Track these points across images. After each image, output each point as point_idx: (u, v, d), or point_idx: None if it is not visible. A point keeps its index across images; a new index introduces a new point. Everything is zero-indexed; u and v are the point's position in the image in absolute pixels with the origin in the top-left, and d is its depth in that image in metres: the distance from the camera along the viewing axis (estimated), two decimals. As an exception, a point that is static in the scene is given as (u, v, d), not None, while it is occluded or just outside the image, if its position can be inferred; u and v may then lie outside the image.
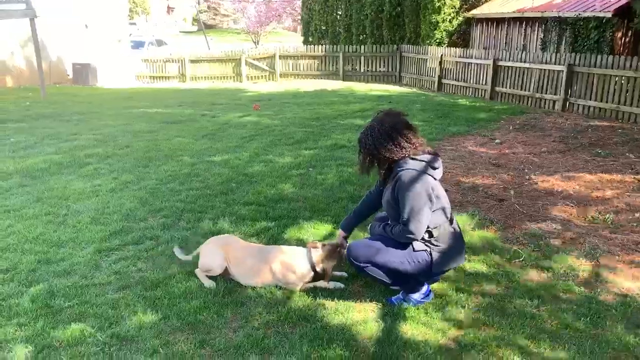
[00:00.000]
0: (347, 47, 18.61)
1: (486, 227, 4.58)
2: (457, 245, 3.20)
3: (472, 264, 3.84)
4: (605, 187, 5.69)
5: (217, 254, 3.59)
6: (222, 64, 19.40)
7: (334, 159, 6.98)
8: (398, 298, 3.33)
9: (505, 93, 12.80)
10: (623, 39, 11.98)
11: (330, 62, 18.64)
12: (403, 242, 3.10)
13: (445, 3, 16.30)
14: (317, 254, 3.47)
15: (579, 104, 10.89)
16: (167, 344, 2.91)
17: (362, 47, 18.41)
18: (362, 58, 18.22)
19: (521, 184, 5.87)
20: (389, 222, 3.25)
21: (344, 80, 18.13)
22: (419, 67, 16.41)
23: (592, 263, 3.88)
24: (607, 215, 4.79)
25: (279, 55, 18.88)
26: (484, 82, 13.43)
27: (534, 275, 3.71)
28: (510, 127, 9.28)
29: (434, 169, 3.08)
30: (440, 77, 15.16)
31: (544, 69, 11.61)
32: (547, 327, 3.04)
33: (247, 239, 4.14)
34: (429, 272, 3.14)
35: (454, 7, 16.60)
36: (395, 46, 17.85)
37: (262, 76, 19.12)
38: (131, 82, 19.54)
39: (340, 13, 21.24)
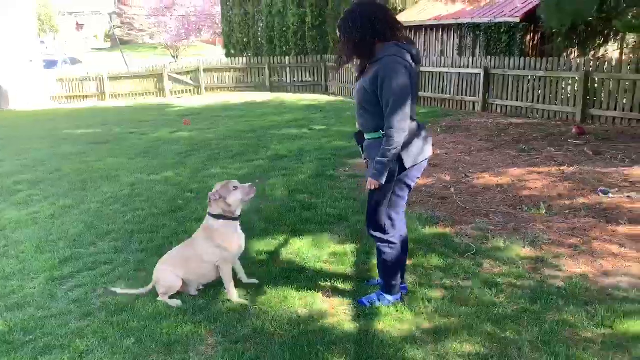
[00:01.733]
0: (272, 58, 18.71)
1: (435, 225, 4.81)
2: (422, 136, 3.12)
3: (430, 260, 4.03)
4: (535, 179, 6.13)
5: (167, 271, 3.56)
6: (143, 80, 18.87)
7: (278, 169, 7.03)
8: (369, 298, 3.41)
9: (428, 97, 13.37)
10: (531, 42, 12.92)
11: (256, 73, 18.66)
12: (399, 138, 2.91)
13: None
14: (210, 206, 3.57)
15: (497, 104, 11.61)
16: (145, 367, 2.85)
17: (287, 58, 18.59)
18: (288, 69, 18.38)
19: (459, 181, 6.20)
20: (361, 114, 3.11)
21: (271, 91, 18.19)
22: (344, 76, 16.80)
23: (537, 250, 4.19)
24: (542, 205, 5.17)
25: (204, 69, 18.65)
26: (407, 88, 13.95)
27: (487, 266, 3.95)
28: (438, 129, 9.74)
29: (416, 62, 2.99)
30: (365, 85, 15.59)
31: (463, 73, 12.27)
32: (509, 313, 3.26)
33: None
34: (402, 170, 3.05)
35: (373, 16, 17.16)
36: (320, 56, 18.17)
37: (186, 90, 18.79)
38: (46, 103, 18.54)
39: (261, 25, 21.34)
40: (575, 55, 12.30)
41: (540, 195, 5.56)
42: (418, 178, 3.26)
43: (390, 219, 3.21)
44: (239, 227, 3.63)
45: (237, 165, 7.43)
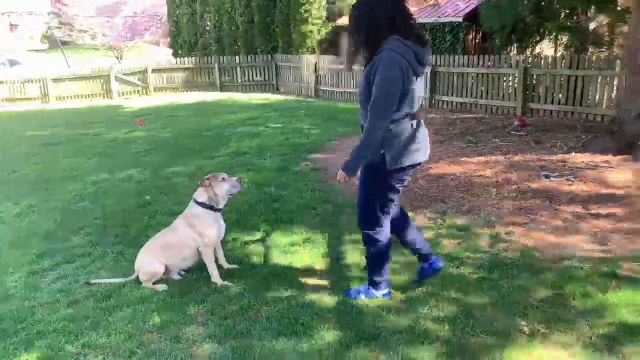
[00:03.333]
0: (222, 58, 18.72)
1: (397, 210, 5.16)
2: (415, 140, 3.01)
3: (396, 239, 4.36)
4: (483, 167, 6.60)
5: (150, 259, 3.74)
6: (89, 82, 18.42)
7: (241, 165, 7.22)
8: (356, 291, 3.48)
9: (378, 94, 13.82)
10: (473, 40, 13.63)
11: (206, 73, 18.61)
12: (375, 132, 2.86)
13: (311, 14, 17.18)
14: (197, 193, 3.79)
15: (443, 100, 12.18)
16: (141, 345, 3.03)
17: (237, 57, 18.65)
18: (238, 68, 18.44)
19: (415, 171, 6.58)
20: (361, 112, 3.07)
21: (221, 91, 18.19)
22: (295, 75, 17.06)
23: (490, 228, 4.61)
24: (492, 190, 5.63)
25: (152, 69, 18.43)
26: (357, 87, 14.37)
27: (447, 244, 4.33)
28: (391, 124, 10.16)
29: (420, 62, 2.88)
30: (316, 84, 15.93)
31: (411, 71, 12.78)
32: (470, 281, 3.63)
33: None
34: (383, 171, 3.00)
35: (321, 17, 17.54)
36: (270, 56, 18.34)
37: (134, 91, 18.50)
38: (-15, 107, 17.82)
39: (209, 24, 21.28)
40: (514, 53, 13.06)
41: (490, 181, 6.03)
42: (403, 181, 3.17)
43: (378, 218, 3.20)
44: (220, 218, 3.84)
45: (199, 162, 7.55)
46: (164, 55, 27.80)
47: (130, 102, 16.65)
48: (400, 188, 3.20)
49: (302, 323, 3.16)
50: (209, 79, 18.56)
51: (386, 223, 3.27)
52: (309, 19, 17.11)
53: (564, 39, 13.17)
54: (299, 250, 4.28)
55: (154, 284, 3.73)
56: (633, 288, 3.44)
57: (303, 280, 3.76)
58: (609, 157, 6.55)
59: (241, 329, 3.15)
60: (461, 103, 11.77)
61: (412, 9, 14.21)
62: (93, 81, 18.39)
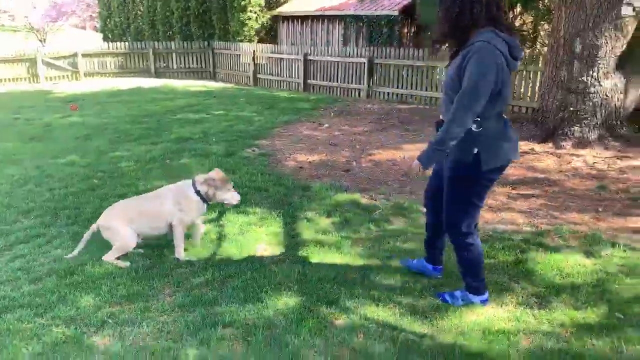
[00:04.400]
0: (156, 43, 18.32)
1: (345, 192, 5.46)
2: (507, 139, 2.87)
3: (348, 218, 4.66)
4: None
5: (125, 228, 3.81)
6: (13, 65, 17.49)
7: (186, 151, 7.26)
8: (451, 295, 3.27)
9: (316, 85, 14.13)
10: (408, 33, 14.17)
11: (140, 59, 18.15)
12: (458, 126, 2.71)
13: (250, 2, 17.16)
14: (200, 180, 3.91)
15: (380, 91, 12.65)
16: (112, 315, 3.13)
17: (173, 43, 18.31)
18: (174, 54, 18.12)
19: (358, 157, 6.93)
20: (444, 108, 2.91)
21: (157, 77, 17.82)
22: (233, 63, 17.01)
23: (431, 207, 5.00)
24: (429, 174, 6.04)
25: (82, 54, 17.75)
26: (296, 76, 14.60)
27: (393, 221, 4.67)
28: (331, 114, 10.48)
29: (513, 56, 2.71)
30: (255, 72, 15.99)
31: (349, 62, 13.16)
32: (418, 253, 3.97)
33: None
34: (478, 171, 2.85)
35: (260, 5, 17.56)
36: (206, 42, 18.15)
37: (63, 76, 17.74)
38: None
39: (142, 9, 20.72)
40: (447, 45, 13.70)
41: (428, 165, 6.45)
42: (493, 183, 3.03)
43: (469, 224, 3.05)
44: (205, 206, 3.99)
45: (144, 147, 7.51)
46: (90, 39, 26.72)
47: (60, 87, 15.98)
48: (490, 187, 3.03)
49: (265, 291, 3.38)
50: (144, 64, 18.13)
51: (475, 226, 3.12)
52: (248, 7, 17.08)
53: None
54: (256, 229, 4.48)
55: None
56: (556, 256, 3.91)
57: (263, 254, 3.97)
58: (534, 145, 7.18)
59: (208, 298, 3.32)
60: (397, 94, 12.27)
61: (352, 0, 14.57)
62: (17, 65, 17.46)
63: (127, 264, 3.78)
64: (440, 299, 3.30)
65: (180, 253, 3.87)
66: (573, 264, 3.77)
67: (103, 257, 3.82)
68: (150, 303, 3.28)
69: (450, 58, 2.90)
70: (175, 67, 18.19)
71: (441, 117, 2.98)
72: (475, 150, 2.80)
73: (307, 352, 2.76)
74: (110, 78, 17.57)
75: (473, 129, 2.77)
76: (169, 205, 3.87)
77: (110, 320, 3.08)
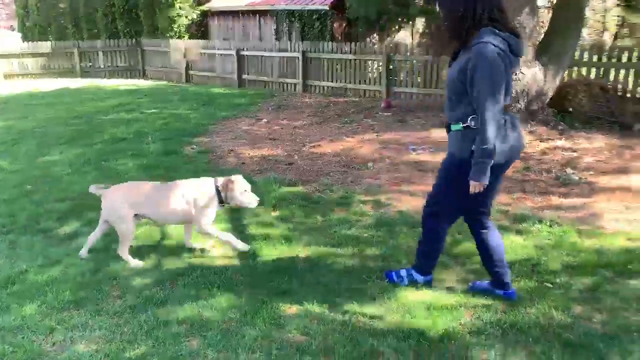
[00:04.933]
0: (81, 42, 17.60)
1: (289, 185, 5.55)
2: (511, 135, 2.86)
3: (293, 211, 4.76)
4: (360, 145, 7.24)
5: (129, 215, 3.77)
6: None
7: (122, 151, 7.09)
8: (398, 274, 3.41)
9: (251, 80, 14.08)
10: (339, 27, 14.39)
11: (64, 59, 17.37)
12: (494, 134, 2.70)
13: (178, -2, 16.85)
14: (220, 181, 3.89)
15: (315, 85, 12.79)
16: (61, 321, 3.07)
17: (98, 41, 17.65)
18: (100, 53, 17.48)
19: (300, 150, 7.03)
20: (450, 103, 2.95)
21: (82, 77, 17.12)
22: (164, 60, 16.62)
23: (372, 195, 5.18)
24: (369, 164, 6.24)
25: (0, 54, 16.77)
26: (230, 71, 14.49)
27: (338, 211, 4.81)
28: (269, 109, 10.52)
29: (515, 53, 2.77)
30: (187, 69, 15.71)
31: (283, 57, 13.21)
32: (363, 238, 4.14)
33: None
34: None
35: (188, 1, 17.26)
36: (134, 40, 17.63)
37: (-21, 79, 16.73)
38: None
39: (63, 6, 19.83)
40: (377, 40, 14.06)
41: (367, 156, 6.66)
42: (498, 178, 3.02)
43: (445, 210, 3.14)
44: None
45: (77, 150, 7.27)
46: (6, 39, 25.21)
47: (-23, 90, 15.05)
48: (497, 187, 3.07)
49: (218, 286, 3.42)
50: (68, 64, 17.36)
51: (452, 217, 3.21)
52: (176, 3, 16.75)
53: (420, 26, 14.45)
54: (201, 226, 4.48)
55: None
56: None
57: (212, 252, 4.00)
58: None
59: (160, 297, 3.32)
60: (332, 88, 12.45)
61: (281, -5, 14.60)
62: None
63: (141, 263, 3.76)
64: (387, 278, 3.44)
65: (238, 244, 3.92)
66: (506, 241, 4.03)
67: (117, 251, 3.80)
68: (100, 306, 3.24)
69: (451, 59, 2.94)
70: (102, 66, 17.55)
71: (449, 119, 2.98)
72: (474, 148, 2.79)
73: (264, 342, 2.83)
74: (32, 80, 16.70)
75: (472, 126, 2.80)
76: (187, 200, 3.80)
77: (59, 327, 3.02)
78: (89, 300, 3.30)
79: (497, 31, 2.71)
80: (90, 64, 17.50)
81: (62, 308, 3.22)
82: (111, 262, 3.81)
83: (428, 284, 3.39)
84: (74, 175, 6.00)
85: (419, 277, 3.38)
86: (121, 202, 3.76)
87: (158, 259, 3.88)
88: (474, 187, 2.83)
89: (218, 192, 3.84)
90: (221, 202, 3.87)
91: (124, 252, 3.79)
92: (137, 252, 3.98)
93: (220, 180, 3.89)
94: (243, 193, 3.85)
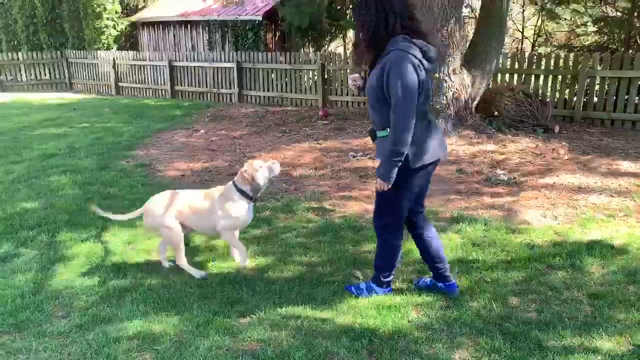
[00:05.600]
0: (0, 54, 16.68)
1: (231, 195, 5.54)
2: (433, 136, 3.04)
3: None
4: (300, 153, 7.32)
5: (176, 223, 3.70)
6: None
7: (54, 167, 6.81)
8: (358, 287, 3.44)
9: (185, 91, 13.89)
10: (273, 38, 14.49)
11: (-19, 72, 16.43)
12: (405, 135, 2.82)
13: (105, 9, 16.37)
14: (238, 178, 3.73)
15: (251, 95, 12.80)
16: (2, 346, 2.94)
17: (20, 54, 16.80)
18: (22, 66, 16.64)
19: (240, 160, 7.02)
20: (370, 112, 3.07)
21: (3, 91, 16.25)
22: (92, 73, 16.07)
23: (317, 202, 5.28)
24: (311, 171, 6.34)
25: None
26: (162, 83, 14.22)
27: (283, 218, 4.87)
28: (206, 119, 10.42)
29: (427, 58, 2.88)
30: (117, 81, 15.27)
31: (218, 67, 13.12)
32: (309, 245, 4.21)
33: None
34: (408, 170, 2.97)
35: (116, 12, 16.81)
36: (59, 52, 16.93)
37: None
38: None
39: (-21, 17, 18.75)
40: (311, 51, 14.26)
41: (308, 164, 6.75)
42: (428, 179, 3.20)
43: (397, 221, 3.21)
44: (251, 207, 3.79)
45: (4, 168, 6.89)
46: None
47: None
48: (425, 188, 3.24)
49: (167, 300, 3.39)
50: (-13, 78, 16.41)
51: (402, 224, 3.25)
52: (103, 14, 16.28)
53: (352, 36, 14.77)
54: (144, 241, 4.40)
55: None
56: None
57: (155, 265, 3.93)
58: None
59: (107, 314, 3.24)
60: (269, 97, 12.51)
61: (214, 5, 14.53)
62: None
63: (203, 273, 3.68)
64: (347, 291, 3.47)
65: (244, 260, 3.81)
66: (445, 241, 4.24)
67: (176, 262, 3.75)
68: (43, 327, 3.12)
69: (369, 67, 3.04)
70: (24, 79, 16.71)
71: (373, 126, 3.09)
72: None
73: (218, 352, 2.84)
74: (-54, 94, 15.66)
75: None
76: (216, 207, 3.70)
77: (1, 351, 2.89)
78: (31, 322, 3.18)
79: (409, 38, 2.84)
80: (12, 77, 16.64)
81: (3, 332, 3.08)
82: (52, 282, 3.67)
83: (387, 295, 3.42)
84: (3, 194, 5.71)
85: (379, 290, 3.40)
86: (162, 211, 3.71)
87: (103, 275, 3.78)
88: (381, 185, 2.98)
89: (241, 191, 3.70)
90: (249, 198, 3.72)
91: (180, 260, 3.72)
92: (79, 269, 3.86)
93: (237, 177, 3.73)
94: (261, 170, 3.69)
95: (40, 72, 16.82)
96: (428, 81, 2.93)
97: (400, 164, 2.89)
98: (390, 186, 2.96)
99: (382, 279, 3.38)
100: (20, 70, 16.67)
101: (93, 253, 4.14)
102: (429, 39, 2.96)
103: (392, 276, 3.42)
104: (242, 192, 3.69)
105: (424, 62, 2.86)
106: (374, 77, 2.93)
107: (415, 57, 2.80)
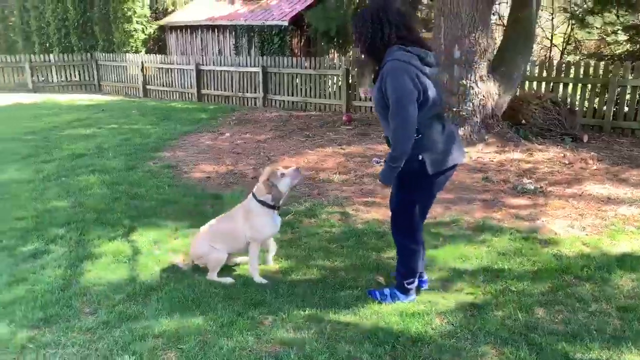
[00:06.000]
0: (32, 56, 17.10)
1: (255, 198, 5.57)
2: (450, 140, 3.07)
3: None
4: (325, 158, 7.34)
5: (210, 247, 3.74)
6: None
7: (83, 167, 6.95)
8: (382, 293, 3.42)
9: (211, 94, 14.05)
10: (299, 43, 14.57)
11: (14, 73, 16.86)
12: (401, 142, 2.89)
13: (135, 12, 16.68)
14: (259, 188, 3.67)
15: (276, 99, 12.88)
16: (32, 339, 3.01)
17: (52, 55, 17.21)
18: (54, 67, 17.04)
19: (265, 164, 7.06)
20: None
21: (35, 92, 16.64)
22: (120, 75, 16.38)
23: (340, 207, 5.28)
24: (335, 176, 6.35)
25: (-55, 69, 16.14)
26: (189, 86, 14.41)
27: (307, 222, 4.88)
28: (231, 123, 10.52)
29: (427, 64, 2.93)
30: (144, 84, 15.52)
31: (243, 71, 13.25)
32: (332, 249, 4.21)
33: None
34: (426, 176, 3.01)
35: (146, 15, 17.11)
36: (89, 54, 17.29)
37: None
38: None
39: (14, 20, 19.29)
40: (336, 56, 14.29)
41: (332, 168, 6.76)
42: (443, 184, 3.23)
43: (414, 226, 3.25)
44: (276, 215, 3.75)
45: (35, 167, 7.06)
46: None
47: None
48: (436, 194, 3.26)
49: (192, 299, 3.42)
50: (19, 79, 16.84)
51: (420, 228, 3.31)
52: (133, 18, 16.58)
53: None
54: (171, 241, 4.46)
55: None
56: (455, 243, 4.33)
57: (182, 265, 3.98)
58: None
59: (133, 312, 3.29)
60: (293, 102, 12.58)
61: (241, 10, 14.68)
62: None
63: (232, 280, 3.71)
64: (370, 296, 3.46)
65: (256, 276, 3.75)
66: (470, 249, 4.21)
67: (207, 277, 3.76)
68: (71, 323, 3.18)
69: (373, 79, 3.10)
70: (55, 81, 17.11)
71: (385, 133, 3.15)
72: (420, 157, 2.96)
73: (242, 353, 2.86)
74: (-20, 94, 16.11)
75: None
76: (239, 223, 3.72)
77: (30, 345, 2.96)
78: (60, 318, 3.24)
79: (404, 47, 2.89)
80: (43, 78, 17.05)
81: (33, 326, 3.15)
82: (81, 279, 3.75)
83: (411, 302, 3.39)
84: (33, 192, 5.84)
85: (402, 297, 3.38)
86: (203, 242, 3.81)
87: (129, 273, 3.84)
88: (380, 185, 3.08)
89: (260, 202, 3.65)
90: (272, 207, 3.67)
91: (212, 276, 3.76)
92: (107, 267, 3.93)
93: (259, 187, 3.67)
94: (284, 178, 3.61)
95: (70, 74, 17.21)
96: (435, 85, 2.96)
97: (399, 169, 2.96)
98: (389, 186, 3.07)
99: (405, 285, 3.37)
100: (51, 72, 17.07)
101: (120, 251, 4.21)
102: (426, 44, 3.01)
103: (415, 282, 3.41)
104: (263, 203, 3.65)
105: (424, 68, 2.91)
106: (376, 88, 2.99)
107: (411, 64, 2.85)
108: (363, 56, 3.09)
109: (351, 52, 14.15)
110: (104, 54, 16.99)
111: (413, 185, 3.04)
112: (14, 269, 3.91)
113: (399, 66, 2.84)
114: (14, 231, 4.66)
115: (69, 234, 4.58)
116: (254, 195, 3.71)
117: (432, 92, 2.92)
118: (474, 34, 7.51)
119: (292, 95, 12.59)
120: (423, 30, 13.20)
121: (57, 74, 17.10)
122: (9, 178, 6.49)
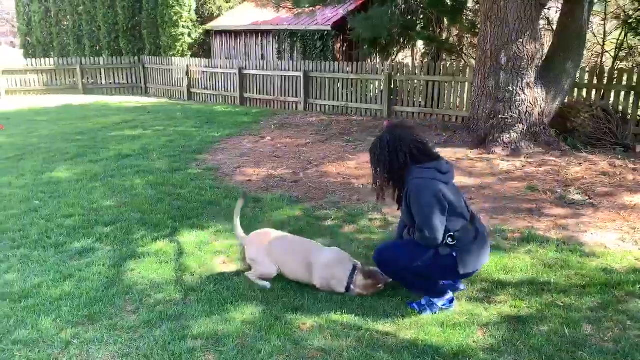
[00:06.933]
0: (84, 59, 17.72)
1: (296, 202, 5.59)
2: (481, 244, 3.26)
3: (302, 227, 4.78)
4: (365, 163, 7.29)
5: (267, 261, 3.70)
6: None
7: (128, 167, 7.13)
8: (420, 304, 3.41)
9: (253, 98, 14.21)
10: (341, 48, 14.58)
11: (66, 75, 17.48)
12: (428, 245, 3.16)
13: (182, 17, 17.06)
14: (359, 278, 3.55)
15: (317, 104, 12.92)
16: (76, 335, 3.09)
17: (101, 58, 17.79)
18: (103, 70, 17.61)
19: (305, 168, 7.09)
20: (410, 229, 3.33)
21: (85, 94, 17.24)
22: (166, 78, 16.77)
23: (380, 213, 5.22)
24: (375, 182, 6.29)
25: (3, 70, 16.89)
26: (232, 90, 14.62)
27: (348, 228, 4.85)
28: (272, 127, 10.60)
29: (442, 173, 3.15)
30: (189, 87, 15.84)
31: (285, 75, 13.35)
32: (371, 255, 4.16)
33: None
34: (456, 274, 3.24)
35: (192, 20, 17.48)
36: (136, 57, 17.79)
37: (-19, 95, 16.80)
38: None
39: (67, 24, 20.04)
40: (378, 60, 14.23)
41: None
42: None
43: (440, 286, 3.38)
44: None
45: (83, 166, 7.30)
46: (7, 56, 25.44)
47: (-20, 106, 15.12)
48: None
49: (231, 302, 3.44)
50: (70, 81, 17.47)
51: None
52: (180, 22, 16.97)
53: (422, 48, 14.64)
54: (212, 243, 4.51)
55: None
56: (498, 254, 4.21)
57: (222, 267, 4.02)
58: (468, 151, 7.62)
59: (173, 313, 3.34)
60: (333, 106, 12.59)
61: (284, 15, 14.80)
62: None
63: (268, 284, 3.68)
64: (410, 307, 3.40)
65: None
66: (514, 261, 4.09)
67: (245, 273, 3.81)
68: (114, 321, 3.25)
69: (397, 203, 3.39)
70: (104, 83, 17.68)
71: (399, 231, 3.53)
72: (454, 254, 3.17)
73: (280, 358, 2.85)
74: (35, 96, 16.81)
75: (448, 242, 3.15)
76: (318, 270, 3.61)
77: (75, 341, 3.04)
78: (103, 315, 3.32)
79: (422, 165, 3.13)
80: (93, 80, 17.64)
81: (77, 322, 3.24)
82: (124, 277, 3.83)
83: (450, 303, 3.37)
84: (81, 191, 6.03)
85: (437, 300, 3.36)
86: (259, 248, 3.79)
87: (171, 273, 3.90)
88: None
89: (351, 278, 3.55)
90: (347, 289, 3.57)
91: (252, 277, 3.76)
92: (150, 267, 4.00)
93: (363, 269, 3.59)
94: (367, 280, 3.56)
95: (118, 76, 17.74)
96: (457, 195, 3.19)
97: None
98: None
99: (436, 289, 3.38)
100: (100, 74, 17.64)
101: (163, 252, 4.28)
102: (437, 155, 3.26)
103: (445, 284, 3.43)
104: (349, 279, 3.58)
105: (441, 176, 3.12)
106: (405, 210, 3.23)
107: (435, 178, 3.09)
108: (386, 184, 3.33)
109: (394, 57, 14.08)
110: (150, 57, 17.45)
111: (438, 275, 3.29)
112: (61, 265, 4.04)
113: (421, 184, 3.08)
114: (62, 228, 4.81)
115: (114, 233, 4.70)
116: (354, 269, 3.59)
117: (457, 199, 3.16)
118: (521, 40, 7.34)
119: (333, 100, 12.60)
120: (468, 36, 13.01)
121: (105, 77, 17.66)
122: (59, 176, 6.72)
